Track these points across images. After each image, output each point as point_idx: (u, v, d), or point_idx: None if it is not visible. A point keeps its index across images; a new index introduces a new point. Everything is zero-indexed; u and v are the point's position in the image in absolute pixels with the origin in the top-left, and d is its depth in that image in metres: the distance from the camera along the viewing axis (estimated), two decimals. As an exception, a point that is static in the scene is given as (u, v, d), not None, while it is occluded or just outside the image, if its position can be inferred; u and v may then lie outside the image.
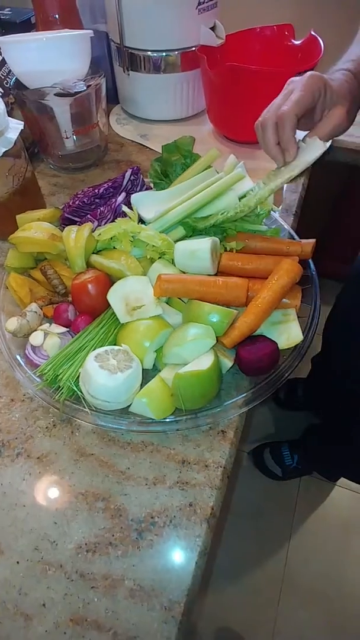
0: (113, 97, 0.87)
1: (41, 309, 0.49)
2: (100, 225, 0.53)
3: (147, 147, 0.78)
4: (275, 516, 1.24)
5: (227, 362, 0.44)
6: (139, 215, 0.52)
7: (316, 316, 0.49)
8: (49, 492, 0.39)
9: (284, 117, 0.47)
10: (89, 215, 0.54)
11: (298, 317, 0.48)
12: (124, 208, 0.51)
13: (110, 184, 0.58)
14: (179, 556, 0.35)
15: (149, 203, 0.52)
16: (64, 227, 0.55)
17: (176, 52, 0.73)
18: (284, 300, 0.47)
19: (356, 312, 0.82)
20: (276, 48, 0.75)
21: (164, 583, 0.34)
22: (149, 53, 0.73)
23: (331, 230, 1.20)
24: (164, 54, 0.73)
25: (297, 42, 0.74)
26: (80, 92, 0.59)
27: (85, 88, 0.60)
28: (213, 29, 0.72)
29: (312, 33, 0.71)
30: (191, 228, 0.50)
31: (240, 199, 0.55)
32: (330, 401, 1.12)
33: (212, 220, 0.50)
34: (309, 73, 0.49)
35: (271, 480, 1.27)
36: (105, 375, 0.39)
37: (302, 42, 0.73)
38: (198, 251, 0.46)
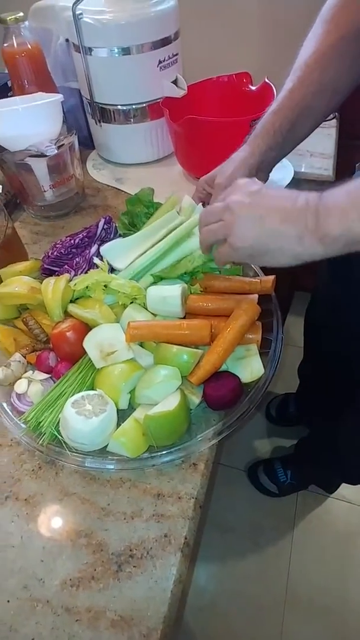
0: (90, 144, 0.94)
1: (25, 357, 0.53)
2: (76, 275, 0.58)
3: (122, 191, 0.83)
4: (275, 532, 1.25)
5: (195, 399, 0.48)
6: (109, 264, 0.57)
7: (278, 347, 0.54)
8: (36, 532, 0.42)
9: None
10: (66, 266, 0.59)
11: (265, 350, 0.52)
12: (96, 260, 0.56)
13: (85, 233, 0.63)
14: (155, 586, 0.39)
15: (117, 252, 0.57)
16: (45, 276, 0.60)
17: (144, 104, 0.79)
18: (247, 335, 0.52)
19: (329, 313, 0.87)
20: (235, 94, 0.81)
21: (142, 612, 0.37)
22: (118, 106, 0.79)
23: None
24: (132, 106, 0.79)
25: (253, 88, 0.81)
26: (53, 154, 0.65)
27: (56, 151, 0.65)
28: (175, 82, 0.78)
29: (266, 80, 0.77)
30: (160, 278, 0.55)
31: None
32: (317, 408, 1.16)
33: (182, 271, 0.55)
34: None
35: (268, 497, 1.28)
36: (81, 421, 0.43)
37: (257, 88, 0.79)
38: (169, 297, 0.51)
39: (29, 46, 0.74)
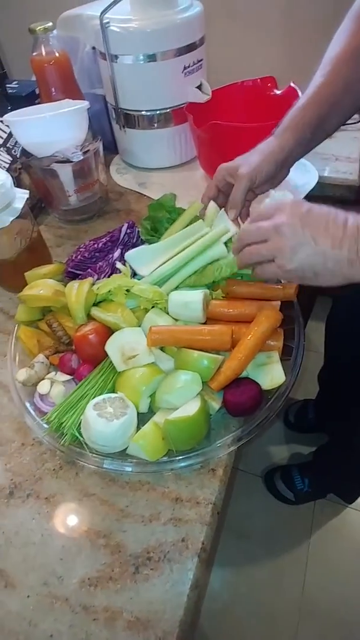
0: (113, 148, 0.95)
1: (48, 358, 0.55)
2: (99, 279, 0.59)
3: (145, 195, 0.84)
4: (290, 541, 1.23)
5: (215, 405, 0.48)
6: (132, 270, 0.58)
7: (300, 355, 0.53)
8: (55, 530, 0.43)
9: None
10: (89, 270, 0.60)
11: (286, 357, 0.52)
12: (118, 265, 0.57)
13: (108, 238, 0.64)
14: (172, 589, 0.39)
15: (142, 258, 0.58)
16: (68, 279, 0.61)
17: (167, 110, 0.80)
18: (269, 342, 0.52)
19: (351, 320, 0.86)
20: (260, 99, 0.81)
21: (158, 614, 0.38)
22: (143, 112, 0.80)
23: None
24: (156, 112, 0.80)
25: (278, 92, 0.80)
26: (79, 160, 0.66)
27: (82, 157, 0.67)
28: (200, 87, 0.79)
29: (292, 84, 0.77)
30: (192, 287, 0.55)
31: (226, 243, 0.60)
32: (337, 416, 1.14)
33: (208, 281, 0.55)
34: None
35: (285, 505, 1.27)
36: (102, 423, 0.43)
37: (282, 92, 0.79)
38: (191, 303, 0.51)
39: (57, 54, 0.76)
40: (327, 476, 1.15)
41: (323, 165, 0.85)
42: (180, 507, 0.44)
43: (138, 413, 0.48)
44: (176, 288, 0.56)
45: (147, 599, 0.39)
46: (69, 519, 0.44)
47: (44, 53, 0.76)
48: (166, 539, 0.42)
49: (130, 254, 0.58)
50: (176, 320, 0.53)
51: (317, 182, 0.81)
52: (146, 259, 0.58)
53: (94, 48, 0.81)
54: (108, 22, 0.71)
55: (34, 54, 0.76)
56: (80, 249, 0.64)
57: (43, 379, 0.52)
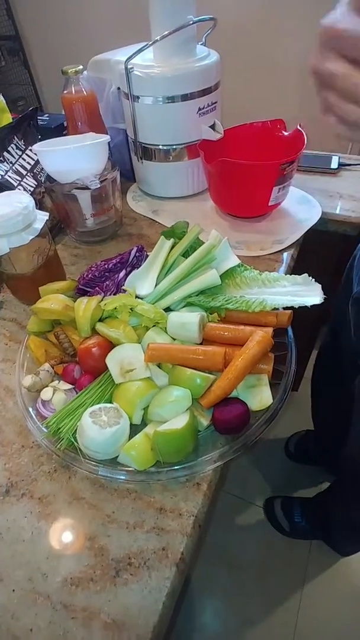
0: (131, 177, 1.02)
1: (53, 367, 0.58)
2: (105, 296, 0.63)
3: (157, 222, 0.90)
4: (284, 577, 1.21)
5: (204, 422, 0.50)
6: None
7: (289, 380, 0.55)
8: (45, 529, 0.46)
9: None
10: (97, 288, 0.65)
11: (277, 381, 0.55)
12: (125, 286, 0.61)
13: (118, 259, 0.69)
14: (149, 595, 0.41)
15: (140, 278, 0.63)
16: (78, 296, 0.65)
17: (182, 145, 0.87)
18: (260, 365, 0.54)
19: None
20: (268, 139, 0.87)
21: (133, 619, 0.39)
22: (159, 146, 0.87)
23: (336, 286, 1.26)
24: (172, 147, 0.87)
25: (286, 134, 0.86)
26: (96, 188, 0.72)
27: (99, 185, 0.73)
28: (213, 126, 0.85)
29: (299, 127, 0.82)
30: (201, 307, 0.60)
31: (225, 273, 0.64)
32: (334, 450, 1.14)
33: (218, 304, 0.59)
34: None
35: (281, 538, 1.25)
36: (96, 430, 0.46)
37: (290, 134, 0.84)
38: (188, 324, 0.55)
39: (85, 93, 0.84)
40: (322, 520, 1.14)
41: (327, 202, 0.89)
42: (164, 517, 0.46)
43: (132, 425, 0.50)
44: (173, 305, 0.60)
45: (125, 603, 0.40)
46: (58, 519, 0.46)
47: (73, 92, 0.84)
48: (148, 546, 0.44)
49: (131, 277, 0.62)
50: (174, 339, 0.57)
51: (321, 218, 0.85)
52: (143, 277, 0.63)
53: (118, 88, 0.89)
54: (132, 68, 0.78)
55: (65, 92, 0.84)
56: (92, 268, 0.69)
57: (47, 386, 0.56)
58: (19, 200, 0.62)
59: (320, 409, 1.12)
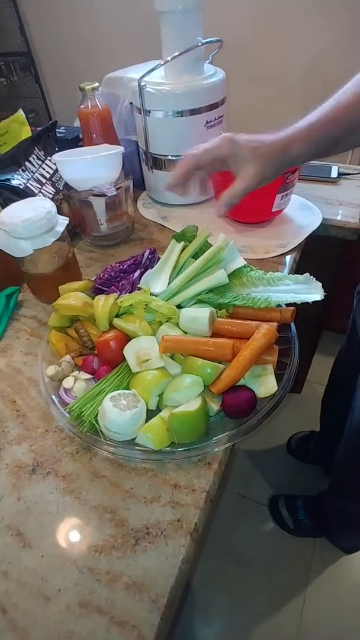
0: (141, 185, 1.08)
1: (73, 359, 0.63)
2: (121, 295, 0.68)
3: (166, 227, 0.95)
4: (289, 573, 1.23)
5: (214, 407, 0.55)
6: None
7: (293, 371, 0.60)
8: (69, 503, 0.50)
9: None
10: (113, 287, 0.70)
11: (281, 372, 0.59)
12: (141, 284, 0.66)
13: (132, 261, 0.74)
14: (166, 561, 0.45)
15: (154, 277, 0.68)
16: (95, 295, 0.70)
17: (190, 156, 0.92)
18: (265, 356, 0.59)
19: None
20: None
21: (152, 581, 0.43)
22: (169, 157, 0.93)
23: (336, 288, 1.31)
24: (180, 157, 0.92)
25: (289, 145, 0.92)
26: (112, 195, 0.78)
27: (115, 192, 0.78)
28: (219, 138, 0.91)
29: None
30: (210, 304, 0.64)
31: (232, 273, 0.69)
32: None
33: (226, 301, 0.64)
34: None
35: (285, 535, 1.27)
36: (116, 412, 0.51)
37: (292, 146, 0.90)
38: (198, 318, 0.60)
39: (100, 108, 0.90)
40: (326, 518, 1.17)
41: (327, 209, 0.95)
42: (178, 493, 0.50)
43: (147, 410, 0.55)
44: (184, 302, 0.65)
45: (144, 567, 0.44)
46: (80, 495, 0.51)
47: (89, 106, 0.90)
48: (164, 518, 0.48)
49: (145, 276, 0.67)
50: (185, 332, 0.62)
51: (322, 224, 0.90)
52: (157, 276, 0.68)
53: (131, 103, 0.95)
54: (145, 85, 0.84)
55: (82, 107, 0.91)
56: (107, 269, 0.74)
57: (68, 376, 0.60)
58: (43, 206, 0.67)
59: (333, 409, 1.14)
